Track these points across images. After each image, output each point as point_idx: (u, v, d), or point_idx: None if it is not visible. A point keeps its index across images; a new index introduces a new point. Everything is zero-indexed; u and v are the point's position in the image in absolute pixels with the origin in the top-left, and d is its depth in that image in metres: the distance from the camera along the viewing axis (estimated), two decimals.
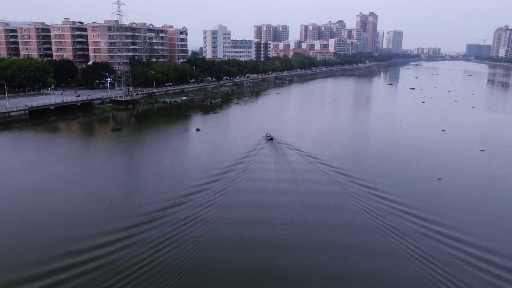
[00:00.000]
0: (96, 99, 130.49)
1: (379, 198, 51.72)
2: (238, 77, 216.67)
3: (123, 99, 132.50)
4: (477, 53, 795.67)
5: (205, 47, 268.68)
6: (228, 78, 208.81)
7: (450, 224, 44.66)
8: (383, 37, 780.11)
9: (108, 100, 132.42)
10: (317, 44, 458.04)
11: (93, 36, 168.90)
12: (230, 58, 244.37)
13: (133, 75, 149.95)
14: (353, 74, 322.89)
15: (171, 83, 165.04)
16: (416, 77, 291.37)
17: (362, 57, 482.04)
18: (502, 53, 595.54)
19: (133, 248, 38.46)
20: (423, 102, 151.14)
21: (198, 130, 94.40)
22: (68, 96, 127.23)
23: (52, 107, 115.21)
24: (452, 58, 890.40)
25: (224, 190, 53.59)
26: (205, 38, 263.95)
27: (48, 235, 41.60)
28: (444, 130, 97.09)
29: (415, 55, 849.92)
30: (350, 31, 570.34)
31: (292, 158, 70.21)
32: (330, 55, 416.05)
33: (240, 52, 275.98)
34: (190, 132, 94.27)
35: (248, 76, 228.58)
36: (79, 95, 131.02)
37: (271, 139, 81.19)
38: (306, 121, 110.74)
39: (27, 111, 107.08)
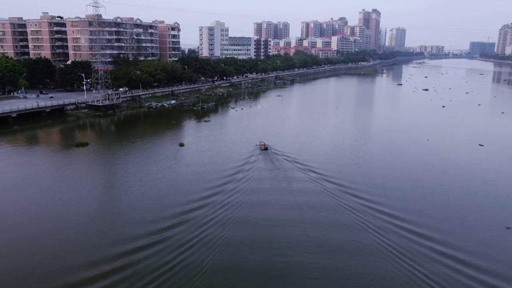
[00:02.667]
0: (70, 104, 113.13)
1: (429, 247, 36.61)
2: (235, 77, 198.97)
3: (101, 103, 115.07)
4: (481, 51, 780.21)
5: (201, 44, 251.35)
6: (225, 78, 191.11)
7: None
8: (385, 34, 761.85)
9: (84, 105, 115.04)
10: (319, 42, 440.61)
11: (73, 32, 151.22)
12: (228, 56, 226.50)
13: (115, 75, 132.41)
14: (358, 73, 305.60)
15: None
16: (426, 77, 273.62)
17: (366, 55, 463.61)
18: (508, 51, 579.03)
19: None
20: (443, 107, 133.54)
21: (181, 145, 77.10)
22: (34, 101, 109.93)
23: (14, 115, 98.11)
24: (456, 56, 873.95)
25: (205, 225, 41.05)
26: (201, 35, 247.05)
27: None
28: (482, 145, 79.78)
29: (418, 53, 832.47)
30: (353, 28, 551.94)
31: (293, 174, 57.12)
32: (333, 53, 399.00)
33: (238, 50, 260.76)
34: (171, 148, 76.17)
35: (246, 76, 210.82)
36: (25, 96, 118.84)
37: (266, 148, 72.24)
38: (312, 130, 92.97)
39: None
